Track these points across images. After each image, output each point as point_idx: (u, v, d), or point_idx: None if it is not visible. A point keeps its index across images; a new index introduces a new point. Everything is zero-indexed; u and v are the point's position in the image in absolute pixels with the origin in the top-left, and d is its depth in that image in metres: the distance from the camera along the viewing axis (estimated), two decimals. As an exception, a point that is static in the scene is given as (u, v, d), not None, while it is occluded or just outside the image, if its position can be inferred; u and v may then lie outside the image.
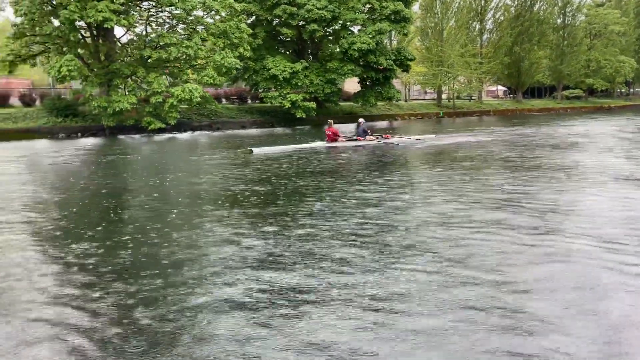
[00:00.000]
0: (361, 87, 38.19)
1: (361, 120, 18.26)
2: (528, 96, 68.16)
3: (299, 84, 32.47)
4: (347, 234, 5.74)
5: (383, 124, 36.61)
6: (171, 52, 26.18)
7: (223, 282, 4.32)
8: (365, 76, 36.05)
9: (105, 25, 24.79)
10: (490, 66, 50.25)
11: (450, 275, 4.33)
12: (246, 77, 34.35)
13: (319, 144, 17.07)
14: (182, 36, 28.51)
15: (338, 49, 35.01)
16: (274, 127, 32.64)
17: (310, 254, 5.03)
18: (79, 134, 26.69)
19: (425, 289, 4.04)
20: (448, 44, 45.49)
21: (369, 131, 18.26)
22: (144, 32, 29.17)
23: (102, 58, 27.20)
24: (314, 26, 31.81)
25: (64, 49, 26.34)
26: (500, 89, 72.70)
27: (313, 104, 32.69)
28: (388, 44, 42.86)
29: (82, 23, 25.63)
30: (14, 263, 5.03)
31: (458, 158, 13.30)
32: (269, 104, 34.03)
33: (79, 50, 26.88)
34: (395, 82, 43.56)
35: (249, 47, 30.08)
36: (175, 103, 26.16)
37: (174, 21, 29.00)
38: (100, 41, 27.25)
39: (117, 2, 24.61)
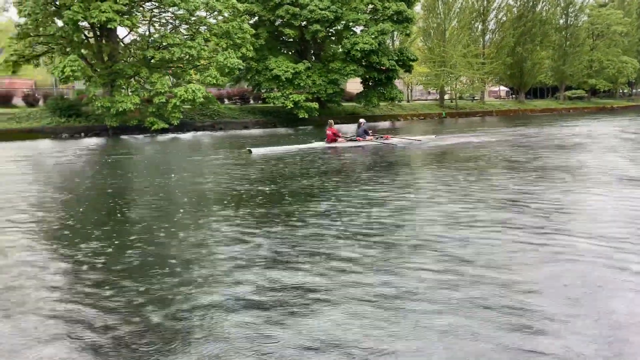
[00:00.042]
0: (364, 88, 38.22)
1: (362, 120, 18.27)
2: (530, 97, 68.12)
3: (302, 84, 32.51)
4: (354, 233, 5.77)
5: (385, 124, 36.64)
6: (174, 52, 26.25)
7: (232, 281, 4.34)
8: (367, 76, 36.08)
9: (109, 26, 24.87)
10: (492, 67, 50.25)
11: (458, 274, 4.35)
12: (249, 77, 34.43)
13: (318, 145, 17.08)
14: (185, 36, 28.58)
15: (340, 50, 35.05)
16: (276, 128, 32.69)
17: (317, 253, 5.06)
18: (82, 134, 26.77)
19: (434, 287, 4.06)
20: (450, 44, 45.51)
21: (370, 131, 18.27)
22: (147, 33, 29.26)
23: (105, 58, 27.28)
24: (317, 26, 31.85)
25: (68, 49, 26.44)
26: (503, 89, 72.66)
27: (315, 105, 32.73)
28: (390, 44, 42.89)
29: (85, 23, 25.70)
30: (23, 261, 5.06)
31: (462, 158, 13.32)
32: (271, 105, 34.08)
33: (82, 50, 26.97)
34: (398, 83, 43.59)
35: (251, 48, 30.13)
36: (178, 103, 26.23)
37: (177, 21, 29.09)
38: (104, 41, 27.34)
39: (121, 2, 24.70)
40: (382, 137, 17.98)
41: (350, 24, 33.93)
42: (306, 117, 32.43)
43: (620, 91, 77.47)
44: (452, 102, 51.91)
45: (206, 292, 4.12)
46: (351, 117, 36.19)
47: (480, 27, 53.15)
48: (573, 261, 4.65)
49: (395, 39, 45.80)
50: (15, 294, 4.18)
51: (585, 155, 13.31)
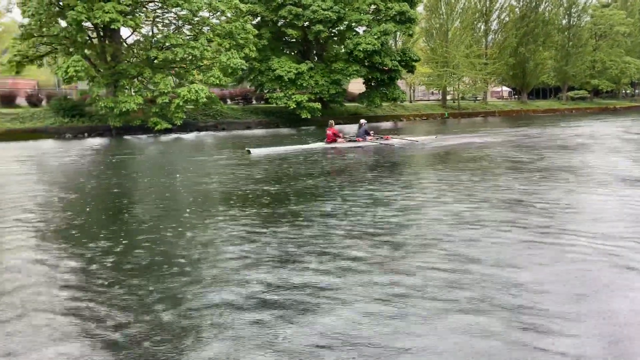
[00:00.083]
0: (366, 88, 38.23)
1: (363, 121, 18.29)
2: (533, 97, 68.04)
3: (304, 84, 32.54)
4: (361, 232, 5.80)
5: (388, 124, 36.66)
6: (177, 52, 26.31)
7: (241, 280, 4.37)
8: (370, 77, 36.08)
9: (112, 26, 24.94)
10: (495, 67, 50.22)
11: (465, 273, 4.37)
12: (251, 77, 34.49)
13: (318, 145, 17.09)
14: (188, 37, 28.62)
15: (343, 50, 35.06)
16: (279, 128, 32.73)
17: (325, 252, 5.09)
18: (86, 134, 26.84)
19: (442, 286, 4.09)
20: (453, 44, 45.50)
21: (371, 132, 18.29)
22: (150, 33, 29.31)
23: (109, 59, 27.36)
24: (320, 27, 31.88)
25: (71, 49, 26.51)
26: (505, 89, 72.57)
27: (318, 105, 32.76)
28: (393, 44, 42.90)
29: (88, 24, 25.76)
30: (34, 260, 5.10)
31: (465, 159, 13.33)
32: (274, 105, 34.11)
33: (85, 51, 27.05)
34: (400, 83, 43.58)
35: (254, 48, 30.17)
36: (181, 104, 26.28)
37: (180, 22, 29.13)
38: (107, 42, 27.40)
39: (124, 3, 24.77)
40: (382, 138, 17.98)
41: (353, 24, 33.95)
42: (309, 117, 32.46)
43: (623, 92, 77.30)
44: (454, 102, 51.90)
45: (216, 290, 4.15)
46: (353, 118, 36.18)
47: (482, 27, 53.11)
48: (578, 260, 4.67)
49: (397, 39, 45.79)
50: (27, 293, 4.22)
51: (589, 155, 13.32)
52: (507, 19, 54.45)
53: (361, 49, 32.48)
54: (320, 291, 4.07)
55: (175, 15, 29.09)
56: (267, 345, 3.22)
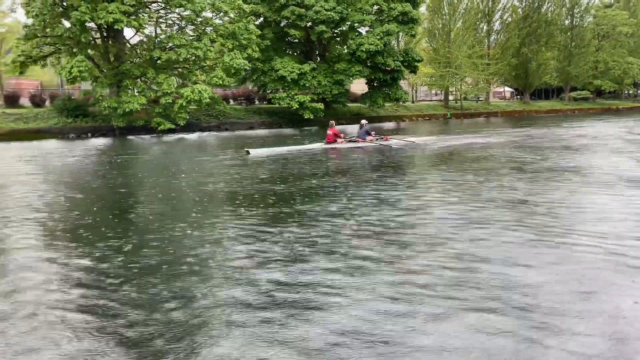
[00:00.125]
0: (369, 88, 38.27)
1: (363, 122, 18.31)
2: (535, 98, 67.98)
3: (307, 85, 32.60)
4: (368, 232, 5.83)
5: (390, 125, 36.68)
6: (180, 53, 26.37)
7: (251, 278, 4.40)
8: (372, 77, 36.13)
9: (116, 27, 24.99)
10: (497, 67, 50.23)
11: (472, 272, 4.41)
12: (254, 78, 34.56)
13: (317, 145, 17.11)
14: (191, 37, 28.70)
15: (346, 50, 35.13)
16: (281, 128, 32.78)
17: (333, 251, 5.12)
18: (89, 135, 26.93)
19: (450, 285, 4.12)
20: (455, 45, 45.51)
21: (372, 132, 18.31)
22: (154, 34, 29.39)
23: (112, 59, 27.44)
24: (322, 27, 31.93)
25: (75, 50, 26.60)
26: (508, 90, 72.55)
27: (321, 105, 32.81)
28: (396, 45, 42.92)
29: (92, 24, 25.84)
30: (44, 259, 5.14)
31: (469, 159, 13.35)
32: (276, 105, 34.17)
33: (89, 51, 27.13)
34: (403, 84, 43.63)
35: (257, 49, 30.23)
36: (184, 104, 26.34)
37: (183, 22, 29.20)
38: (110, 42, 27.49)
39: (128, 3, 24.83)
40: (381, 138, 17.98)
41: (356, 24, 34.00)
42: (311, 117, 32.51)
43: (626, 92, 77.22)
44: (456, 103, 51.90)
45: (226, 288, 4.18)
46: (356, 118, 36.22)
47: (485, 27, 53.10)
48: (584, 260, 4.70)
49: (400, 39, 45.83)
50: (41, 291, 4.25)
51: (592, 156, 13.33)
52: (509, 19, 54.47)
53: (364, 50, 32.52)
54: (330, 289, 4.10)
55: (179, 16, 29.16)
56: (278, 343, 3.25)
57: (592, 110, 60.29)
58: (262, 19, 34.21)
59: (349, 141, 17.54)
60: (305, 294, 4.03)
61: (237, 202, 8.00)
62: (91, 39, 26.89)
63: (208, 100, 27.03)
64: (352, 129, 25.21)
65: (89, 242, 5.74)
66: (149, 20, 28.65)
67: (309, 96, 32.48)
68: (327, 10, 31.51)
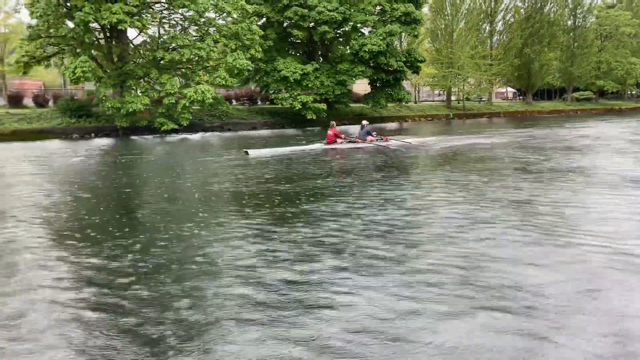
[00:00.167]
0: (371, 89, 38.30)
1: (365, 122, 18.35)
2: (538, 98, 67.92)
3: (310, 85, 32.64)
4: (375, 231, 5.86)
5: (393, 125, 36.69)
6: (183, 53, 26.43)
7: (260, 277, 4.44)
8: (375, 78, 36.15)
9: (119, 27, 25.06)
10: (500, 68, 50.21)
11: (481, 271, 4.44)
12: (257, 78, 34.61)
13: (316, 146, 17.13)
14: (195, 38, 28.76)
15: (349, 51, 35.14)
16: (284, 128, 32.83)
17: (341, 250, 5.15)
18: (93, 135, 27.00)
19: (459, 283, 4.16)
20: (458, 45, 45.52)
21: (373, 133, 18.33)
22: (157, 34, 29.45)
23: (116, 59, 27.51)
24: (325, 28, 31.97)
25: (78, 50, 26.69)
26: (510, 90, 72.51)
27: (323, 106, 32.85)
28: (398, 45, 42.96)
29: (96, 25, 25.91)
30: (54, 258, 5.19)
31: (472, 159, 13.38)
32: (279, 105, 34.22)
33: (92, 51, 27.21)
34: (405, 84, 43.64)
35: (260, 49, 30.28)
36: (187, 104, 26.40)
37: (186, 23, 29.27)
38: (114, 43, 27.56)
39: (131, 4, 24.90)
40: (381, 139, 17.98)
41: (359, 25, 34.03)
42: (314, 118, 32.54)
43: (629, 92, 77.05)
44: (459, 103, 51.89)
45: (236, 287, 4.22)
46: (358, 119, 36.24)
47: (487, 28, 53.13)
48: (590, 260, 4.73)
49: (403, 40, 45.87)
50: (53, 289, 4.30)
51: (596, 156, 13.34)
52: (512, 19, 54.46)
53: (366, 50, 32.55)
54: (340, 288, 4.14)
55: (182, 16, 29.23)
56: (290, 340, 3.28)
57: (595, 110, 60.20)
58: (264, 19, 34.27)
59: (349, 142, 17.56)
60: (315, 292, 4.07)
61: (243, 202, 8.04)
62: (95, 39, 26.99)
63: (211, 100, 27.08)
64: (354, 129, 25.25)
65: (97, 242, 5.79)
66: (153, 21, 28.73)
67: (311, 96, 32.53)
68: (329, 10, 31.55)
